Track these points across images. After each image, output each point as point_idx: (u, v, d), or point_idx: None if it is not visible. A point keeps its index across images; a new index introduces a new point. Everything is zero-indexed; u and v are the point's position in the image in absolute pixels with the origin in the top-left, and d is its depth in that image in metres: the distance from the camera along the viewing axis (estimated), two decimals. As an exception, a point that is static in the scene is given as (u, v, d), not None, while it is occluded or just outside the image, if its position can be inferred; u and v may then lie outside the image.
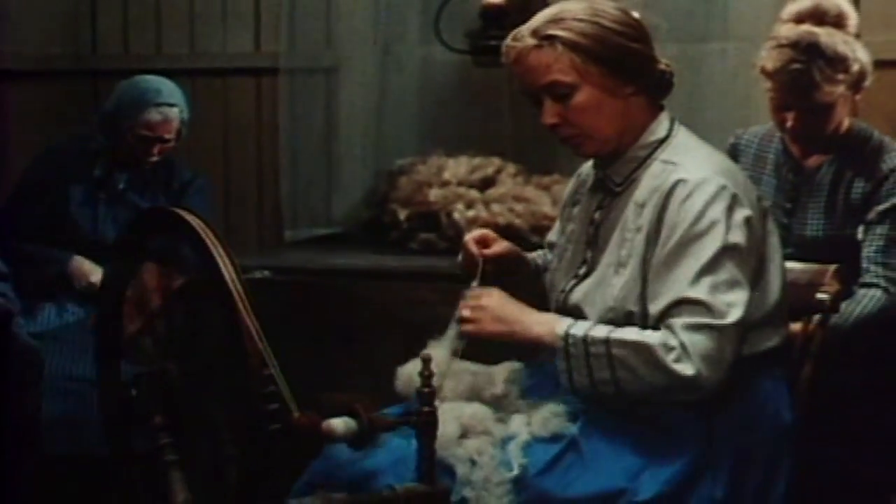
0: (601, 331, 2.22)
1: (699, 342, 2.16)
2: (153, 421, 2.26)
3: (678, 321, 2.17)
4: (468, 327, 2.31)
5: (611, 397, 2.23)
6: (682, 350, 2.15)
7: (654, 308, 2.21)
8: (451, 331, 2.35)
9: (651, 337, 2.18)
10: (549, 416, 2.22)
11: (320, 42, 4.34)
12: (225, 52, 4.50)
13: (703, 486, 2.18)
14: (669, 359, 2.15)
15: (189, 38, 4.53)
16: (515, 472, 2.14)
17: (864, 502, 2.62)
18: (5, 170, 4.09)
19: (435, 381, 2.08)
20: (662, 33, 3.81)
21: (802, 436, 2.31)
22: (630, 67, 2.28)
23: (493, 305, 2.31)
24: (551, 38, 2.27)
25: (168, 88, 3.76)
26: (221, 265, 2.05)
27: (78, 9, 4.56)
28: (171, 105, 3.71)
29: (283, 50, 4.35)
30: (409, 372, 2.25)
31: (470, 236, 2.52)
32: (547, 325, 2.28)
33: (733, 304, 2.18)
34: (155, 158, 3.74)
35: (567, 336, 2.23)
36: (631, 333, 2.21)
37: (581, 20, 2.26)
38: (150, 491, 2.45)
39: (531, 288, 2.56)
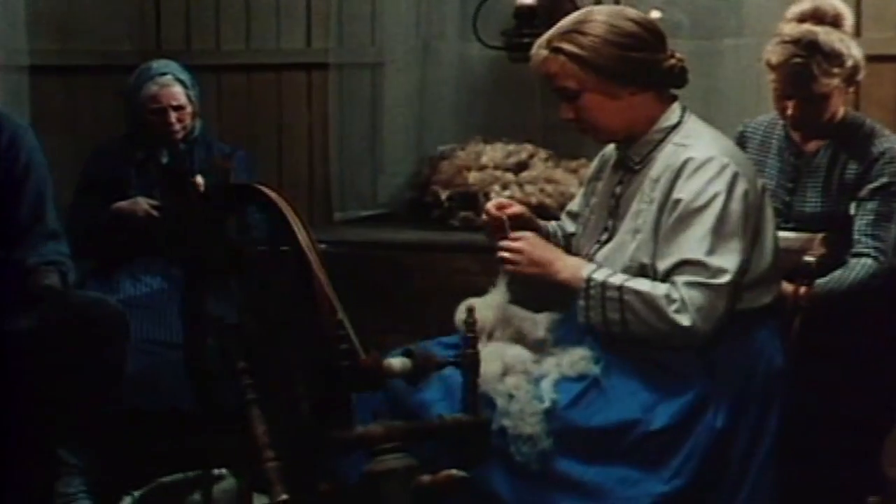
0: (618, 278, 2.55)
1: (696, 297, 2.49)
2: (235, 366, 2.54)
3: (680, 279, 2.50)
4: (508, 267, 2.65)
5: (618, 335, 2.55)
6: (682, 303, 2.48)
7: (662, 266, 2.53)
8: (501, 281, 2.69)
9: (657, 289, 2.51)
10: (576, 359, 2.54)
11: (366, 39, 4.55)
12: (279, 48, 4.70)
13: (706, 417, 2.49)
14: (671, 309, 2.48)
15: (245, 35, 4.74)
16: (547, 405, 2.45)
17: (843, 438, 2.89)
18: (78, 159, 4.24)
19: (486, 323, 2.41)
20: (683, 30, 4.14)
21: (792, 379, 2.61)
22: (628, 73, 2.60)
23: (528, 249, 2.65)
24: (557, 51, 2.62)
25: (160, 63, 4.11)
26: (296, 229, 2.35)
27: (143, 9, 4.79)
28: (164, 74, 4.03)
29: (332, 46, 4.55)
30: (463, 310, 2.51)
31: (490, 204, 2.81)
32: (574, 269, 2.61)
33: (727, 267, 2.50)
34: (178, 126, 4.03)
35: (589, 279, 2.57)
36: (642, 284, 2.53)
37: (585, 34, 2.58)
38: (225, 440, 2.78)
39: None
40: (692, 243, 2.51)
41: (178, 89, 4.03)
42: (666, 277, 2.53)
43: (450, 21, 4.48)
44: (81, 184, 4.12)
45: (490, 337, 2.57)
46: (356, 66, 4.56)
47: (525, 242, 2.67)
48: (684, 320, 2.48)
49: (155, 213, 3.95)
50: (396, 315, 3.12)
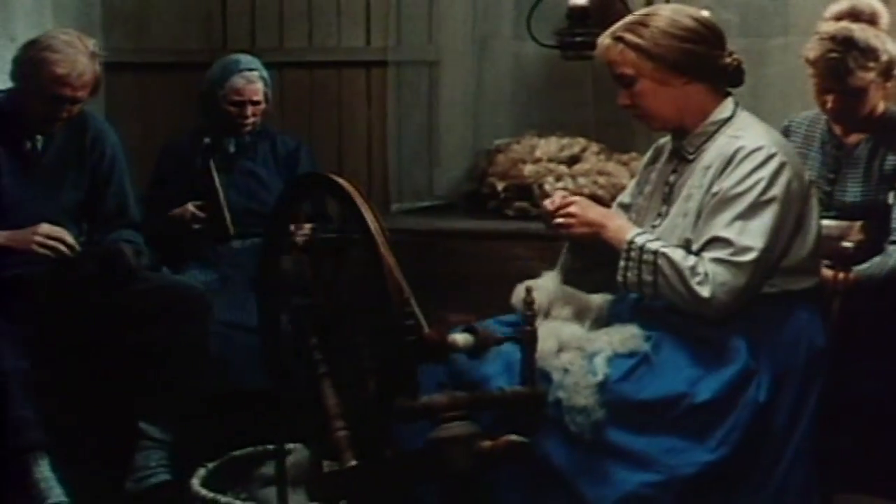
0: (656, 244, 2.73)
1: (719, 272, 2.66)
2: (308, 343, 2.72)
3: (708, 254, 2.68)
4: (561, 230, 2.83)
5: (648, 297, 2.73)
6: (705, 276, 2.66)
7: (697, 243, 2.71)
8: (559, 264, 2.86)
9: (687, 260, 2.69)
10: (627, 337, 2.71)
11: (424, 38, 4.67)
12: (339, 46, 4.83)
13: (749, 392, 2.65)
14: (694, 281, 2.66)
15: (308, 34, 4.86)
16: (600, 378, 2.61)
17: (880, 418, 2.97)
18: (149, 150, 4.41)
19: (543, 303, 2.57)
20: (732, 28, 4.27)
21: (832, 359, 2.76)
22: (682, 64, 2.79)
23: (580, 212, 2.84)
24: (619, 40, 2.82)
25: (247, 58, 4.27)
26: (366, 214, 2.52)
27: (211, 9, 4.93)
28: (252, 70, 4.21)
29: (390, 45, 4.68)
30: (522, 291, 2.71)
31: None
32: (620, 230, 2.80)
33: (754, 245, 2.66)
34: (251, 120, 4.21)
35: (631, 242, 2.75)
36: (676, 253, 2.71)
37: (647, 25, 2.79)
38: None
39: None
40: (726, 222, 2.69)
41: (260, 85, 4.20)
42: (698, 252, 2.70)
43: (505, 20, 4.61)
44: (153, 179, 4.32)
45: (547, 315, 2.74)
46: (414, 64, 4.68)
47: (576, 206, 2.86)
48: (704, 292, 2.66)
49: (201, 214, 4.11)
50: (454, 299, 3.26)
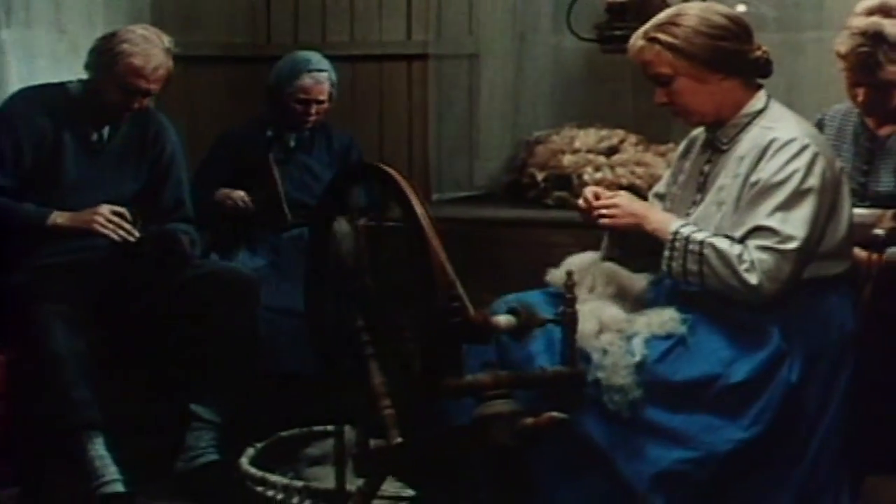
0: (701, 234, 2.81)
1: (765, 260, 2.74)
2: (355, 324, 2.80)
3: (753, 242, 2.76)
4: (605, 221, 2.92)
5: (694, 286, 2.80)
6: (751, 264, 2.74)
7: (739, 232, 2.79)
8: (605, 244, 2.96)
9: (733, 248, 2.77)
10: (665, 320, 2.79)
11: (464, 32, 4.77)
12: (381, 40, 4.95)
13: (782, 373, 2.74)
14: (741, 268, 2.74)
15: (350, 28, 4.99)
16: (638, 359, 2.71)
17: None
18: (196, 140, 4.48)
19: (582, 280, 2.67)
20: (768, 23, 4.34)
21: (862, 340, 2.84)
22: (717, 61, 2.87)
23: (624, 203, 2.93)
24: (653, 40, 2.91)
25: (317, 57, 4.37)
26: (413, 201, 2.61)
27: (255, 4, 5.05)
28: (321, 70, 4.32)
29: (431, 39, 4.78)
30: (560, 273, 2.85)
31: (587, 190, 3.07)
32: (664, 222, 2.89)
33: (796, 234, 2.75)
34: (314, 118, 4.32)
35: (676, 232, 2.83)
36: (721, 242, 2.79)
37: (679, 25, 2.87)
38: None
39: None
40: (768, 212, 2.77)
41: (326, 86, 4.32)
42: (741, 241, 2.79)
43: (544, 15, 4.69)
44: (206, 159, 4.42)
45: (591, 290, 2.83)
46: (454, 58, 4.77)
47: (620, 199, 2.95)
48: (752, 279, 2.74)
49: (247, 203, 4.23)
50: (495, 285, 3.34)
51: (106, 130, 3.79)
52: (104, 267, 3.64)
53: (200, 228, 4.00)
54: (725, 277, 2.77)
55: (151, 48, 3.68)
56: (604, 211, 2.94)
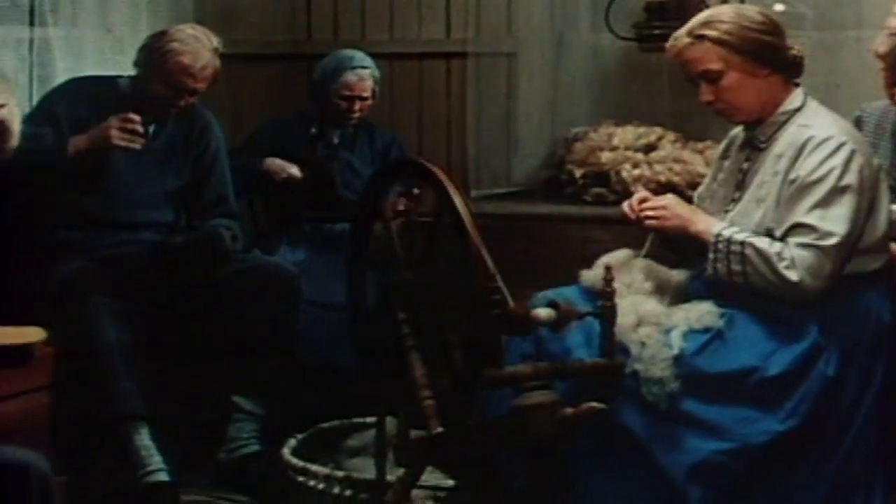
0: (742, 235, 2.85)
1: (805, 257, 2.78)
2: (396, 316, 2.85)
3: (792, 239, 2.80)
4: (652, 223, 2.96)
5: (738, 286, 2.84)
6: (791, 261, 2.78)
7: (780, 230, 2.82)
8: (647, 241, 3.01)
9: (773, 247, 2.80)
10: (703, 313, 2.84)
11: (502, 30, 4.78)
12: (420, 38, 4.96)
13: (818, 366, 2.77)
14: (781, 266, 2.78)
15: (389, 26, 5.01)
16: (676, 352, 2.75)
17: None
18: (237, 137, 4.50)
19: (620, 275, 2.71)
20: (806, 22, 4.35)
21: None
22: (765, 55, 2.92)
23: (670, 207, 2.97)
24: (701, 37, 2.95)
25: (360, 55, 4.43)
26: (454, 197, 2.66)
27: (296, 3, 5.07)
28: (364, 67, 4.38)
29: (470, 37, 4.78)
30: (593, 274, 2.92)
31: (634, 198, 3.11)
32: (707, 225, 2.93)
33: (836, 231, 2.78)
34: (357, 115, 4.37)
35: (718, 235, 2.88)
36: (762, 242, 2.83)
37: (724, 21, 2.92)
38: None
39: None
40: (806, 209, 2.81)
41: (370, 83, 4.38)
42: (781, 239, 2.83)
43: (582, 14, 4.72)
44: (251, 136, 4.49)
45: (629, 286, 2.87)
46: (493, 56, 4.78)
47: (667, 202, 2.99)
48: (793, 276, 2.77)
49: (297, 175, 4.26)
50: (533, 280, 3.38)
51: (152, 127, 3.86)
52: (149, 261, 3.71)
53: (239, 197, 4.09)
54: (767, 275, 2.81)
55: (200, 47, 3.75)
56: (650, 213, 2.98)
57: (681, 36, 2.98)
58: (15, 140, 2.14)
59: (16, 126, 2.14)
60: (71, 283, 3.54)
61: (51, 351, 3.47)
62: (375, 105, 4.50)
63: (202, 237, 3.75)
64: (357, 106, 4.38)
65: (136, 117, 3.65)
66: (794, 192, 2.84)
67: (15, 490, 1.91)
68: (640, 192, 3.14)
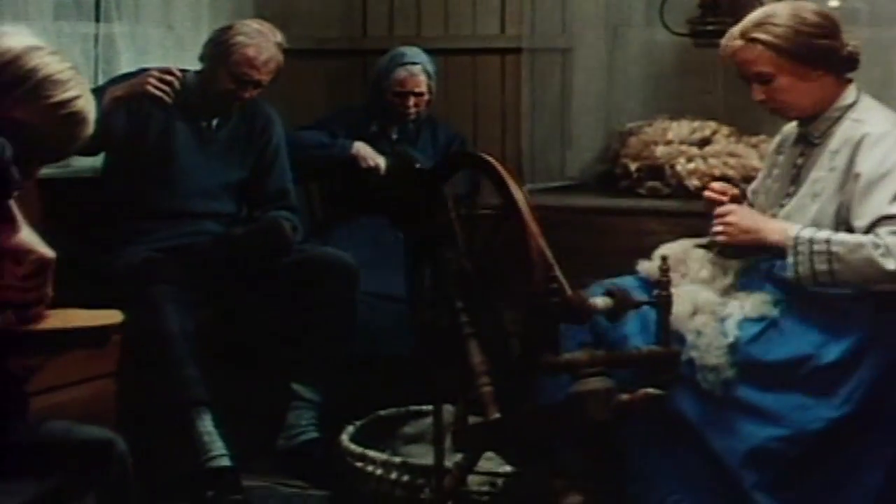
0: (823, 234, 2.85)
1: None
2: (455, 305, 2.89)
3: (883, 230, 2.79)
4: (721, 238, 2.99)
5: (826, 285, 2.84)
6: (886, 249, 2.78)
7: (861, 223, 2.83)
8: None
9: (864, 238, 2.81)
10: (758, 303, 2.87)
11: (557, 26, 4.81)
12: (475, 34, 5.01)
13: (871, 354, 2.80)
14: (877, 254, 2.78)
15: (444, 22, 5.06)
16: (731, 340, 2.79)
17: None
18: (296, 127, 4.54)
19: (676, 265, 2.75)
20: (861, 18, 4.36)
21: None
22: (816, 58, 2.94)
23: (737, 221, 2.99)
24: (754, 40, 2.97)
25: (412, 51, 4.48)
26: (513, 188, 2.71)
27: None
28: (415, 63, 4.42)
29: (525, 33, 4.81)
30: (650, 264, 2.96)
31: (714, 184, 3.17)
32: (781, 232, 2.91)
33: None
34: (413, 110, 4.43)
35: (797, 237, 2.86)
36: (847, 236, 2.83)
37: (777, 24, 2.94)
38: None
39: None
40: (886, 201, 2.82)
41: (422, 78, 4.42)
42: (867, 231, 2.83)
43: (636, 9, 4.74)
44: (324, 118, 4.55)
45: (684, 276, 2.91)
46: (547, 51, 4.82)
47: (734, 215, 3.00)
48: (890, 264, 2.78)
49: (381, 166, 4.32)
50: (588, 271, 3.42)
51: (215, 120, 3.95)
52: (211, 250, 3.79)
53: (300, 179, 4.18)
54: (861, 268, 2.79)
55: (264, 41, 3.84)
56: (719, 228, 3.00)
57: (734, 37, 3.01)
58: (90, 130, 2.22)
59: (92, 116, 2.21)
60: (136, 271, 3.62)
61: (117, 338, 3.57)
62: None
63: (263, 227, 3.83)
64: (411, 101, 4.42)
65: (177, 72, 3.77)
66: (863, 187, 2.85)
67: (99, 465, 1.99)
68: (720, 184, 3.14)
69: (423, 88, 4.44)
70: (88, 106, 2.18)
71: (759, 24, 2.96)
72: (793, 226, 2.92)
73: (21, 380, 2.18)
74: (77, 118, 2.16)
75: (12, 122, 2.07)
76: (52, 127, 2.05)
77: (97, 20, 4.27)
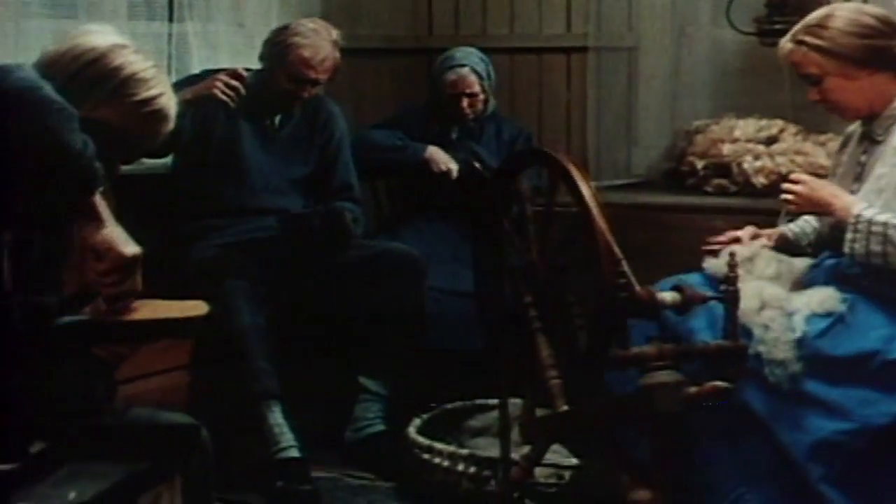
0: (884, 216, 2.88)
1: None
2: (523, 300, 2.94)
3: None
4: (791, 207, 3.02)
5: (876, 266, 2.87)
6: None
7: None
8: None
9: None
10: (825, 298, 2.88)
11: (623, 25, 4.85)
12: (540, 33, 5.04)
13: (941, 349, 2.80)
14: None
15: (509, 21, 5.10)
16: (798, 335, 2.80)
17: None
18: (360, 128, 4.54)
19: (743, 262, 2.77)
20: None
21: None
22: (867, 58, 2.97)
23: (810, 193, 3.00)
24: (800, 43, 3.02)
25: (461, 53, 4.50)
26: (581, 184, 2.73)
27: None
28: (462, 66, 4.44)
29: (590, 31, 4.84)
30: (717, 261, 2.98)
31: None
32: (847, 206, 2.94)
33: None
34: (469, 110, 4.45)
35: (858, 216, 2.90)
36: None
37: (826, 27, 2.98)
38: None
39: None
40: None
41: (472, 79, 4.43)
42: None
43: (702, 8, 4.76)
44: (391, 117, 4.60)
45: (751, 272, 2.94)
46: (613, 50, 4.85)
47: (806, 186, 3.02)
48: None
49: (453, 171, 4.35)
50: (654, 268, 3.45)
51: (278, 118, 4.01)
52: (276, 244, 3.86)
53: (367, 176, 4.29)
54: None
55: (320, 40, 3.90)
56: (790, 197, 3.02)
57: (785, 40, 3.07)
58: (171, 127, 2.28)
59: (173, 113, 2.27)
60: (208, 267, 3.70)
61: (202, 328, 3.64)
62: (496, 97, 4.58)
63: (324, 212, 3.89)
64: (465, 103, 4.43)
65: (243, 74, 3.83)
66: None
67: (185, 449, 2.06)
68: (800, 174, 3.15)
69: (476, 89, 4.44)
70: (170, 103, 2.24)
71: (808, 27, 3.01)
72: (860, 203, 2.95)
73: (110, 367, 2.25)
74: (159, 115, 2.22)
75: (96, 120, 2.12)
76: (136, 124, 2.10)
77: (170, 20, 4.35)
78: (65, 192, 2.01)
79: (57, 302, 2.25)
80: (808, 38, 3.00)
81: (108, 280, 2.07)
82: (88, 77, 2.13)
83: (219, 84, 3.88)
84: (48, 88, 2.02)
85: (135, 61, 2.21)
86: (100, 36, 2.23)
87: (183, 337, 2.66)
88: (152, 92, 2.21)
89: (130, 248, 2.08)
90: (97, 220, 2.04)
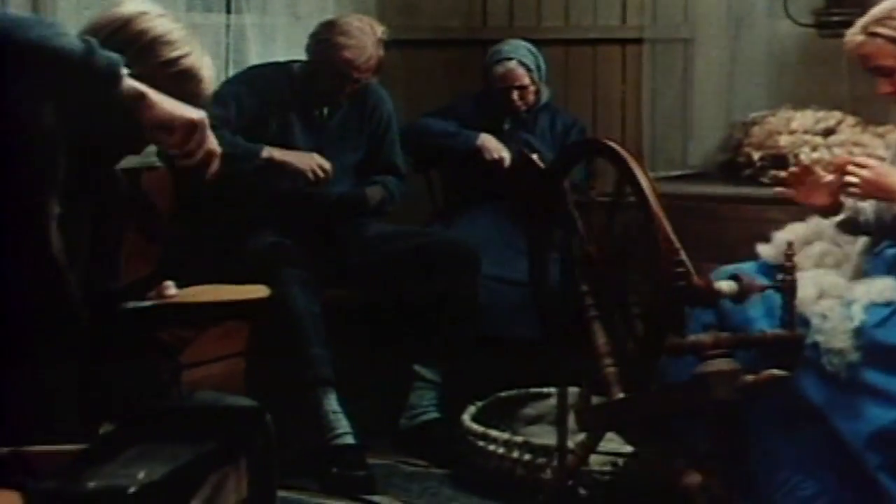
0: None
1: None
2: (580, 288, 2.96)
3: None
4: (854, 191, 2.98)
5: None
6: None
7: None
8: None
9: None
10: (883, 288, 2.87)
11: (679, 17, 4.83)
12: (595, 25, 5.03)
13: None
14: None
15: (564, 13, 5.09)
16: (856, 324, 2.79)
17: None
18: (413, 119, 4.57)
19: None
20: None
21: None
22: None
23: (875, 178, 2.95)
24: (874, 35, 3.00)
25: (510, 46, 4.50)
26: (639, 176, 2.77)
27: None
28: (509, 59, 4.44)
29: (646, 23, 4.84)
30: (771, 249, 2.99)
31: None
32: None
33: None
34: (520, 102, 4.45)
35: None
36: None
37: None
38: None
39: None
40: None
41: (521, 72, 4.43)
42: None
43: (759, 0, 4.72)
44: (446, 106, 4.62)
45: (808, 260, 2.93)
46: (669, 42, 4.84)
47: (872, 171, 2.97)
48: None
49: (505, 159, 4.34)
50: (711, 258, 3.44)
51: (326, 109, 4.05)
52: (329, 232, 3.94)
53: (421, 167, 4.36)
54: None
55: (365, 40, 3.91)
56: (854, 180, 2.96)
57: (855, 32, 3.04)
58: (207, 87, 2.24)
59: (206, 73, 2.24)
60: (264, 255, 3.74)
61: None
62: (551, 89, 4.58)
63: (348, 193, 3.95)
64: (515, 95, 4.44)
65: (328, 168, 3.86)
66: None
67: (250, 431, 2.08)
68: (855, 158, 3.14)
69: (525, 81, 4.44)
70: (199, 62, 2.22)
71: (879, 19, 2.99)
72: None
73: (175, 350, 2.28)
74: (188, 75, 2.20)
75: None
76: (165, 85, 2.08)
77: (228, 11, 4.39)
78: (94, 93, 1.97)
79: (121, 288, 2.29)
80: (881, 30, 2.98)
81: (189, 147, 2.05)
82: (117, 43, 2.12)
83: (314, 168, 3.87)
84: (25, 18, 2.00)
85: (160, 24, 2.20)
86: (129, 5, 2.24)
87: (245, 320, 2.68)
88: (177, 52, 2.19)
89: (193, 112, 2.06)
90: (146, 99, 2.01)
